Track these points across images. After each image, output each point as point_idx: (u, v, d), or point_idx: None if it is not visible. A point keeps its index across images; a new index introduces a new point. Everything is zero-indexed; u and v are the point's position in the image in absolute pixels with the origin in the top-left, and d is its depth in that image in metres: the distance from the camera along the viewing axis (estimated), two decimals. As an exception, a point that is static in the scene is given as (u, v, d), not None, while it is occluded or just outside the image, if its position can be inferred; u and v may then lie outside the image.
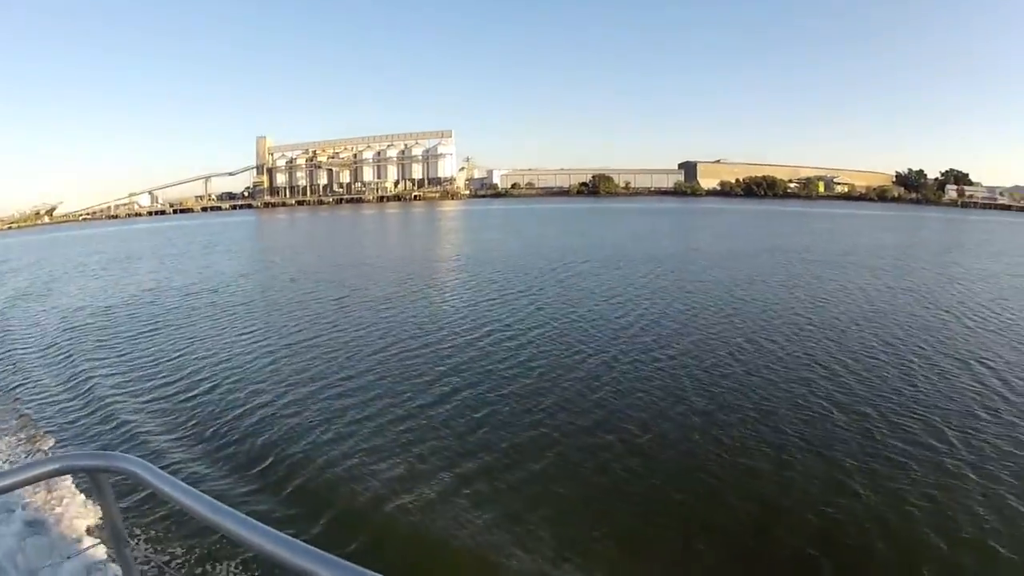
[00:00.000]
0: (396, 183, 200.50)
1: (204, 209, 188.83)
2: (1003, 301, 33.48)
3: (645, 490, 13.81)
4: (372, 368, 22.25)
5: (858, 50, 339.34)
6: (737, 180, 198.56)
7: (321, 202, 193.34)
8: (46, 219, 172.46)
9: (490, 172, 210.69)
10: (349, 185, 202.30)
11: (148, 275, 49.51)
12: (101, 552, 10.62)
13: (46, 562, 11.36)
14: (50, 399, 21.02)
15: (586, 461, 15.02)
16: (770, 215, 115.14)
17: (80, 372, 23.55)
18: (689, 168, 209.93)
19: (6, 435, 17.84)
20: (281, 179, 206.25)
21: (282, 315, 31.85)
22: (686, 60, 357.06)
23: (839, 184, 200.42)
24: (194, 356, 24.66)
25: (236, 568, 10.92)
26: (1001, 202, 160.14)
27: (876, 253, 55.82)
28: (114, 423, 18.46)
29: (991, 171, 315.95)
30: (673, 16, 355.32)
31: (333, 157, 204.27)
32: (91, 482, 3.57)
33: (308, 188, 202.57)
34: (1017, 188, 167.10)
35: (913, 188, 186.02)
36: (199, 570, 11.04)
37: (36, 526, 12.50)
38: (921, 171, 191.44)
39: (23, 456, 16.39)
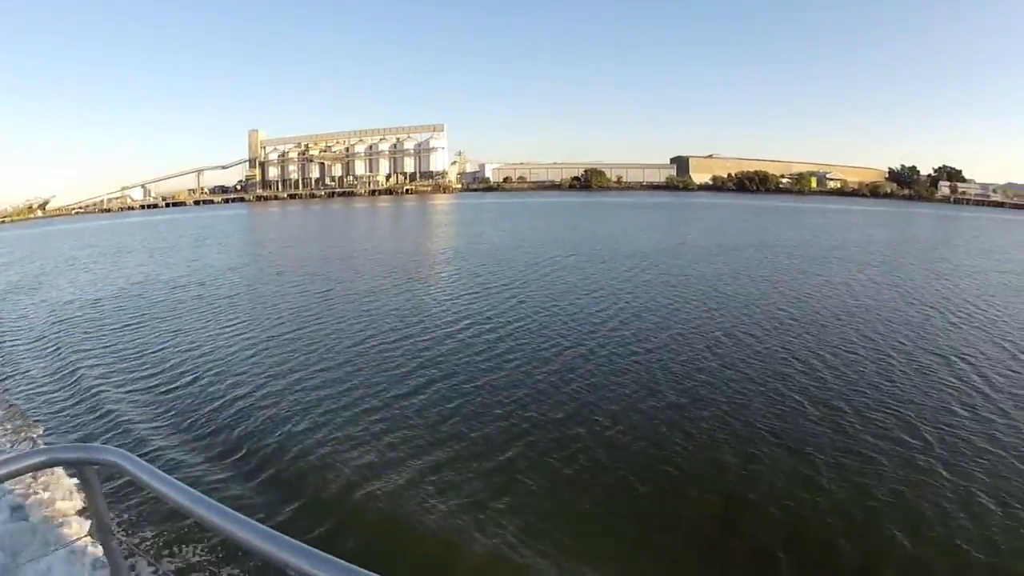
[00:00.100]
0: (388, 177, 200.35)
1: (196, 203, 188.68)
2: (989, 297, 33.66)
3: (609, 481, 14.00)
4: (351, 360, 22.55)
5: (853, 46, 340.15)
6: (729, 175, 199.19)
7: (313, 195, 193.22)
8: (39, 213, 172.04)
9: (482, 166, 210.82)
10: (341, 179, 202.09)
11: (137, 268, 49.66)
12: (87, 543, 10.74)
13: (32, 554, 11.41)
14: (37, 390, 21.24)
15: (554, 452, 15.22)
16: (760, 210, 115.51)
17: (67, 364, 23.80)
18: (681, 163, 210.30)
19: (-5, 425, 18.03)
20: (273, 172, 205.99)
21: (266, 308, 32.12)
22: (680, 55, 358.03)
23: (831, 180, 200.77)
24: (177, 348, 24.88)
25: (220, 559, 11.08)
26: (994, 199, 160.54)
27: (864, 248, 56.10)
28: (97, 413, 18.72)
29: (984, 168, 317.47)
30: (667, 10, 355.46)
31: (325, 151, 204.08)
32: (76, 474, 3.66)
33: (300, 181, 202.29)
34: (1010, 185, 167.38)
35: (906, 184, 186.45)
36: (184, 561, 11.21)
37: (21, 518, 12.56)
38: (914, 167, 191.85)
39: (9, 447, 16.57)
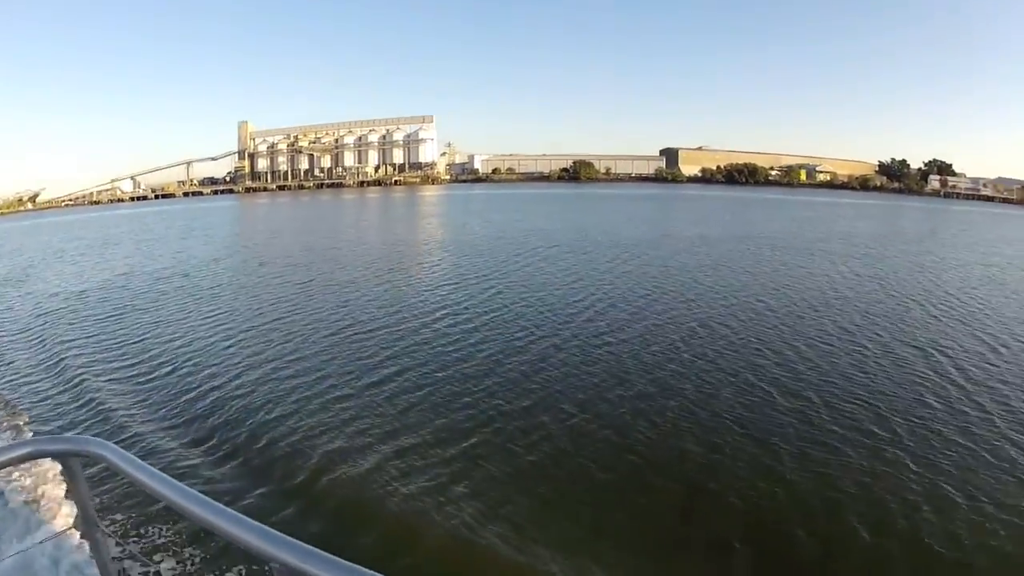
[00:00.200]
0: (377, 168, 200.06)
1: (186, 194, 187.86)
2: (971, 290, 33.91)
3: (571, 468, 14.26)
4: (326, 349, 22.92)
5: (845, 38, 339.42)
6: (718, 167, 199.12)
7: (302, 187, 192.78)
8: (29, 205, 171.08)
9: (471, 157, 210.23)
10: (330, 170, 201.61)
11: (123, 260, 49.73)
12: (73, 535, 10.67)
13: (16, 546, 11.42)
14: (21, 380, 21.58)
15: (518, 439, 15.54)
16: (748, 202, 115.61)
17: (51, 355, 24.14)
18: (671, 155, 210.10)
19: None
20: (263, 164, 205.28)
21: (246, 299, 32.39)
22: (672, 46, 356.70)
23: (821, 172, 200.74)
24: (158, 339, 25.19)
25: (205, 550, 11.22)
26: (984, 193, 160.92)
27: (849, 241, 56.38)
28: (79, 402, 19.10)
29: (976, 163, 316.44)
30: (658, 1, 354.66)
31: (314, 142, 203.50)
32: (62, 465, 3.64)
33: (289, 173, 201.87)
34: (1001, 180, 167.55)
35: (896, 178, 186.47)
36: (169, 552, 11.38)
37: (4, 509, 12.56)
38: (904, 161, 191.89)
39: (-5, 437, 16.75)
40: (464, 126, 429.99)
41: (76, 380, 20.92)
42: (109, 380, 20.76)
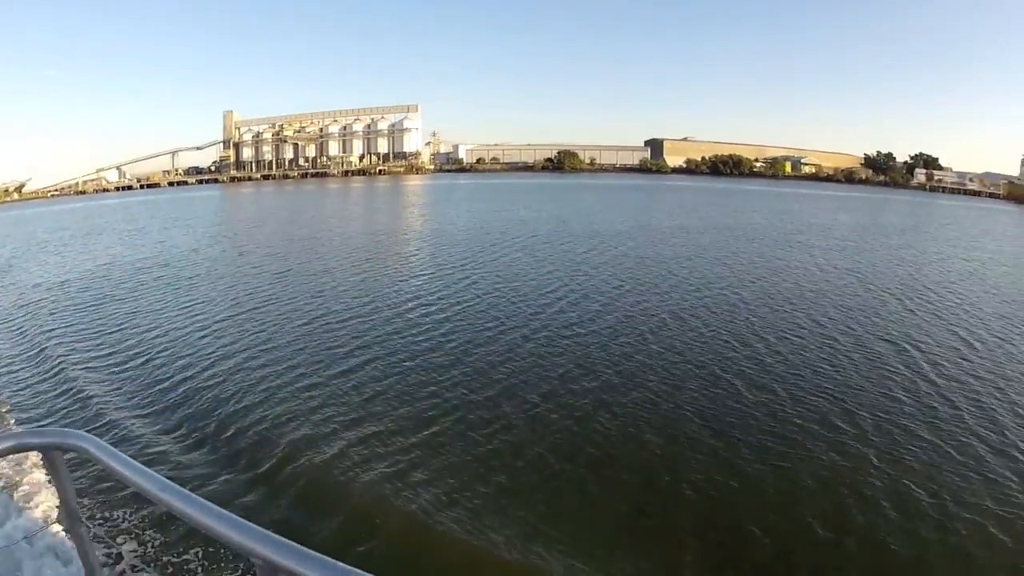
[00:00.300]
0: (361, 157, 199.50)
1: (171, 184, 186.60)
2: (950, 284, 34.13)
3: (528, 457, 14.59)
4: (299, 339, 23.32)
5: (833, 31, 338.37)
6: (703, 158, 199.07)
7: (286, 176, 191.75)
8: (15, 196, 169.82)
9: (456, 147, 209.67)
10: (315, 159, 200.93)
11: (105, 251, 49.73)
12: (56, 530, 10.80)
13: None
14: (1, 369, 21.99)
15: (479, 427, 15.93)
16: (731, 193, 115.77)
17: (32, 345, 24.65)
18: (655, 145, 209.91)
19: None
20: (248, 153, 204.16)
21: (223, 289, 32.69)
22: (657, 35, 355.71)
23: (806, 165, 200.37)
24: (135, 329, 25.55)
25: (188, 545, 11.38)
26: (971, 188, 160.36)
27: (828, 233, 56.57)
28: (57, 391, 19.62)
29: (963, 158, 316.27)
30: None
31: (299, 131, 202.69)
32: (44, 459, 3.57)
33: (274, 162, 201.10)
34: (988, 174, 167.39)
35: (881, 171, 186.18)
36: (152, 545, 11.54)
37: None
38: (890, 154, 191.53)
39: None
40: (450, 116, 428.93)
41: (54, 370, 21.34)
42: (86, 369, 21.12)
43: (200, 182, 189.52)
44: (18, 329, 26.90)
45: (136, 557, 11.21)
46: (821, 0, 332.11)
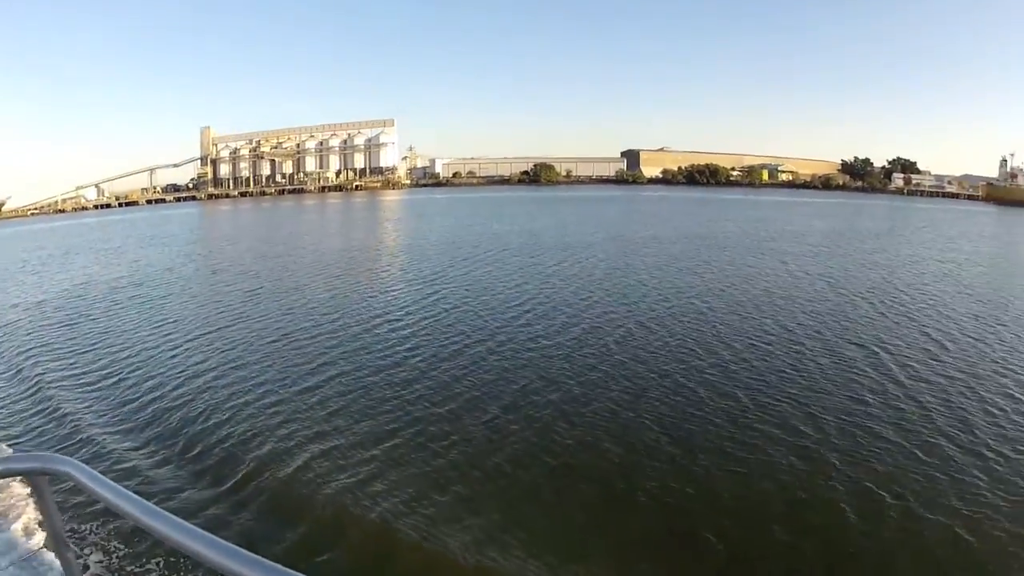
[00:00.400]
0: (338, 173, 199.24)
1: (149, 202, 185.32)
2: (923, 286, 34.73)
3: (485, 468, 14.92)
4: (266, 356, 23.69)
5: (811, 34, 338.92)
6: (680, 168, 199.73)
7: (264, 193, 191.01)
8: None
9: (433, 161, 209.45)
10: (292, 175, 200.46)
11: (82, 270, 49.79)
12: (43, 555, 10.43)
13: None
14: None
15: (439, 439, 16.30)
16: (706, 202, 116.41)
17: (9, 366, 24.95)
18: (632, 156, 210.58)
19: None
20: (225, 170, 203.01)
21: (195, 308, 32.98)
22: (634, 48, 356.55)
23: (783, 172, 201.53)
24: (107, 350, 25.79)
25: (175, 570, 11.41)
26: (949, 190, 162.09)
27: (801, 240, 57.24)
28: (31, 411, 19.98)
29: (942, 161, 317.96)
30: (620, 3, 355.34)
31: (276, 147, 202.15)
32: (29, 484, 3.88)
33: (251, 179, 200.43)
34: (967, 176, 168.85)
35: (859, 176, 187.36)
36: (139, 570, 11.61)
37: None
38: (867, 159, 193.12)
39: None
40: (426, 130, 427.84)
41: (30, 390, 21.77)
42: (60, 388, 21.50)
43: (178, 199, 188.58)
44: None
45: (125, 582, 11.31)
46: (806, 3, 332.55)
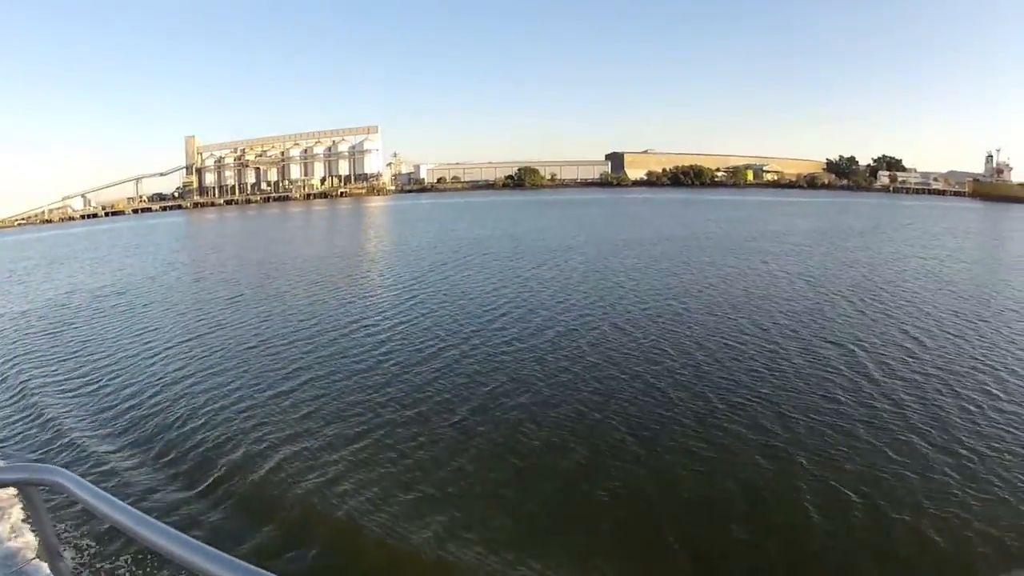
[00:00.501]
0: (323, 180, 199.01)
1: (135, 211, 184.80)
2: (903, 283, 34.96)
3: (451, 468, 15.24)
4: (244, 363, 24.13)
5: (797, 34, 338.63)
6: (664, 170, 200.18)
7: (249, 201, 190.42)
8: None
9: (417, 167, 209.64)
10: (277, 183, 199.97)
11: (66, 279, 50.19)
12: (36, 565, 10.62)
13: None
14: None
15: (407, 441, 16.63)
16: (690, 203, 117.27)
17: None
18: (616, 159, 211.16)
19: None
20: (210, 179, 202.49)
21: (175, 316, 33.33)
22: (618, 51, 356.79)
23: (768, 172, 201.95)
24: (88, 358, 26.20)
25: None
26: (935, 187, 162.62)
27: (782, 239, 57.55)
28: (15, 417, 20.57)
29: (927, 158, 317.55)
30: (605, 5, 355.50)
31: (261, 155, 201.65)
32: (21, 494, 3.66)
33: (237, 187, 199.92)
34: (953, 173, 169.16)
35: (844, 175, 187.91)
36: None
37: None
38: (852, 158, 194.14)
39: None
40: (411, 136, 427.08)
41: (14, 397, 22.33)
42: (43, 396, 21.94)
43: (164, 209, 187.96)
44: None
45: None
46: (791, 2, 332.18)
